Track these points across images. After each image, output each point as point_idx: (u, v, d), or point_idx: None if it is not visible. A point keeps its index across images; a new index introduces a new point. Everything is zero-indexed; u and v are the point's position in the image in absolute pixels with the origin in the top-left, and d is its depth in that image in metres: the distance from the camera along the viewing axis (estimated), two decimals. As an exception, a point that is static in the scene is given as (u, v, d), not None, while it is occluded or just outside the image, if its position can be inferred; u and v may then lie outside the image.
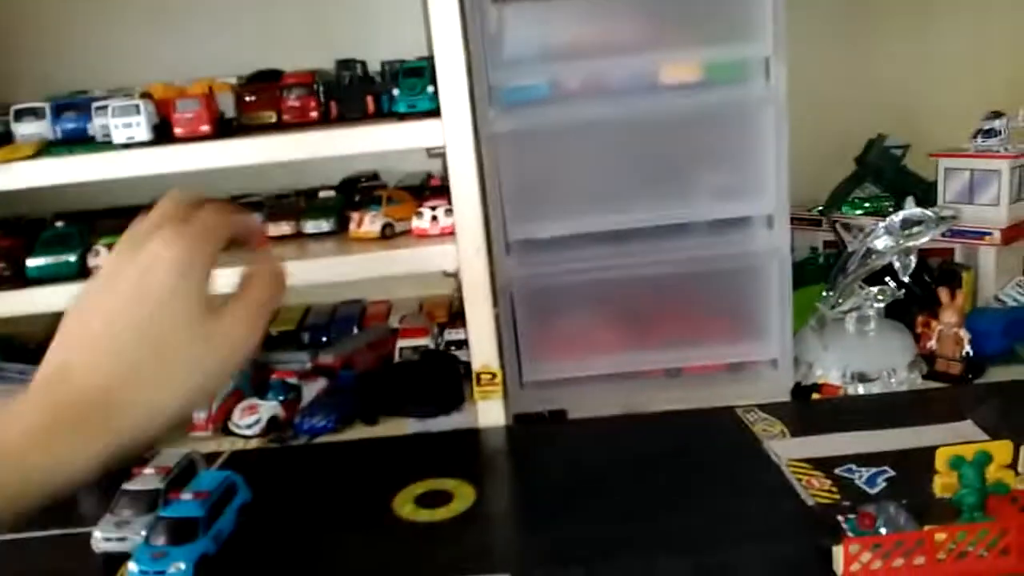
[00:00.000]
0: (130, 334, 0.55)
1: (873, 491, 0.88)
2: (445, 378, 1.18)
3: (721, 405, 1.09)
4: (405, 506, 0.94)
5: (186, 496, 0.90)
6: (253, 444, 1.14)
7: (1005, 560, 0.73)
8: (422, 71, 1.08)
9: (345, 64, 1.20)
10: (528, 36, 1.10)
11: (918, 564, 0.72)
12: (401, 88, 1.09)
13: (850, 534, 0.78)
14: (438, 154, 1.11)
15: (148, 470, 0.96)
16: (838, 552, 0.73)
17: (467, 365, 1.13)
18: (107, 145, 1.09)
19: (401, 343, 1.27)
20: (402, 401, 1.16)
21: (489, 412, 1.11)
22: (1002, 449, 0.80)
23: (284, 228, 1.20)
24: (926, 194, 1.31)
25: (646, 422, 1.09)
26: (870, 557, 0.73)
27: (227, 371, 0.59)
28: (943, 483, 0.80)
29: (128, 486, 0.94)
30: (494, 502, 0.96)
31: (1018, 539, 0.73)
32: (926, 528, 0.75)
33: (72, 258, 1.11)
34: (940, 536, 0.73)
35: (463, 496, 0.95)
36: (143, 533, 0.88)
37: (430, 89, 1.06)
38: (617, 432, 1.08)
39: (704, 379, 1.17)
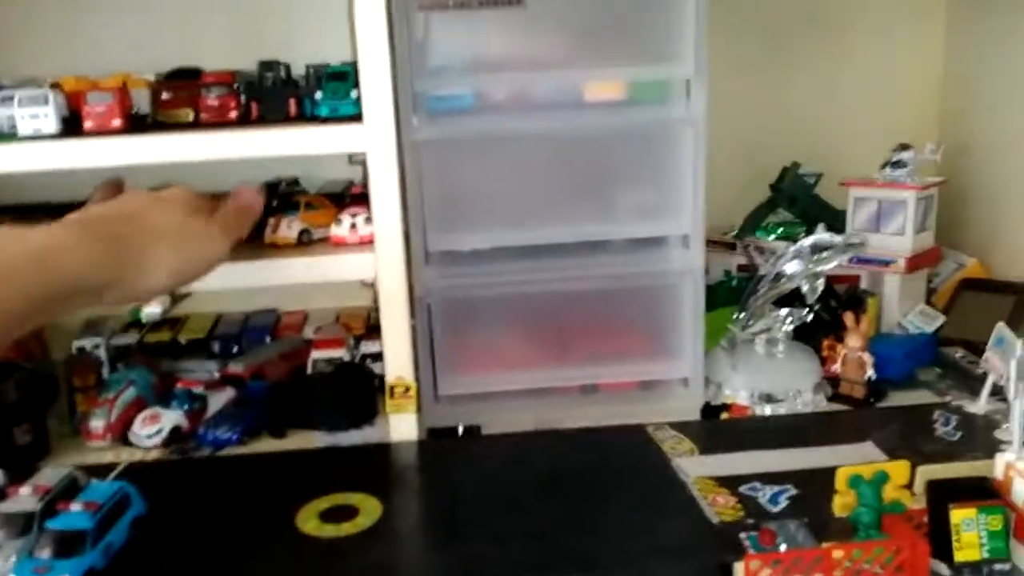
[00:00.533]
0: (142, 214, 0.73)
1: (776, 509, 0.89)
2: (358, 391, 1.15)
3: (633, 422, 1.10)
4: (309, 521, 0.91)
5: (75, 507, 0.85)
6: (153, 455, 1.09)
7: (898, 578, 0.75)
8: (346, 75, 1.06)
9: (267, 65, 1.17)
10: (454, 46, 1.10)
11: (814, 582, 0.74)
12: (324, 92, 1.07)
13: (751, 551, 0.79)
14: (359, 161, 1.09)
15: (24, 489, 0.89)
16: (739, 568, 0.74)
17: (382, 378, 1.11)
18: (12, 137, 1.04)
19: (315, 354, 1.24)
20: (313, 414, 1.13)
21: (402, 426, 1.09)
22: (899, 469, 0.83)
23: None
24: (836, 221, 1.35)
25: (559, 439, 1.09)
26: (770, 573, 0.74)
27: (202, 263, 0.76)
28: (842, 502, 0.83)
29: (0, 507, 0.87)
30: (402, 518, 0.94)
31: (912, 557, 0.76)
32: (824, 545, 0.76)
33: (-34, 254, 1.05)
34: (838, 553, 0.74)
35: (369, 511, 0.92)
36: (13, 559, 0.82)
37: (354, 94, 1.04)
38: (530, 448, 1.07)
39: (617, 396, 1.17)
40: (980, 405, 1.10)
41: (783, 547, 0.79)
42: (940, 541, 0.78)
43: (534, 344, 1.19)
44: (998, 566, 0.78)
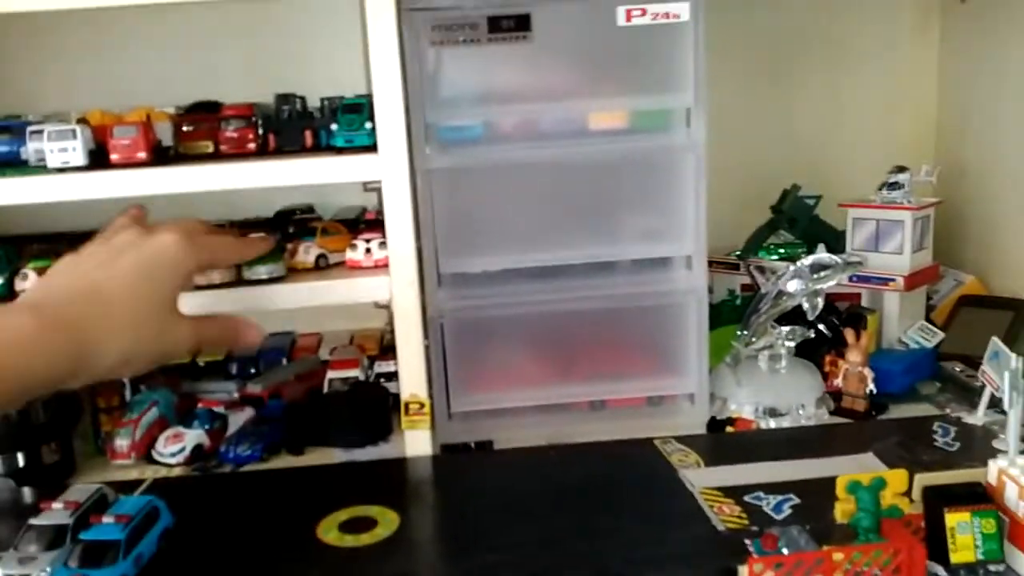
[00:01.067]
0: (119, 297, 0.70)
1: (779, 517, 0.93)
2: (373, 409, 1.19)
3: (641, 437, 1.13)
4: (329, 532, 0.94)
5: (107, 519, 0.89)
6: (177, 472, 1.13)
7: (896, 579, 0.78)
8: (361, 107, 1.11)
9: (284, 98, 1.22)
10: (464, 78, 1.15)
11: (816, 582, 0.77)
12: (340, 123, 1.11)
13: (755, 555, 0.82)
14: (374, 188, 1.14)
15: (56, 504, 0.93)
16: (743, 572, 0.77)
17: (396, 396, 1.15)
18: (41, 169, 1.09)
19: (331, 374, 1.28)
20: (329, 431, 1.17)
21: (416, 442, 1.13)
22: (897, 477, 0.86)
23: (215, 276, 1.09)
24: (835, 241, 1.39)
25: (569, 453, 1.12)
26: (772, 575, 0.77)
27: (161, 360, 0.75)
28: (842, 508, 0.86)
29: (34, 521, 0.91)
30: (418, 529, 0.97)
31: (909, 559, 0.78)
32: (825, 548, 0.79)
33: (-1, 280, 1.10)
34: (838, 556, 0.77)
35: (387, 522, 0.96)
36: (47, 570, 0.86)
37: (368, 125, 1.09)
38: (541, 462, 1.10)
39: (625, 412, 1.21)
40: (978, 416, 1.13)
41: (785, 550, 0.82)
42: (936, 544, 0.81)
43: (544, 362, 1.22)
44: (992, 567, 0.81)
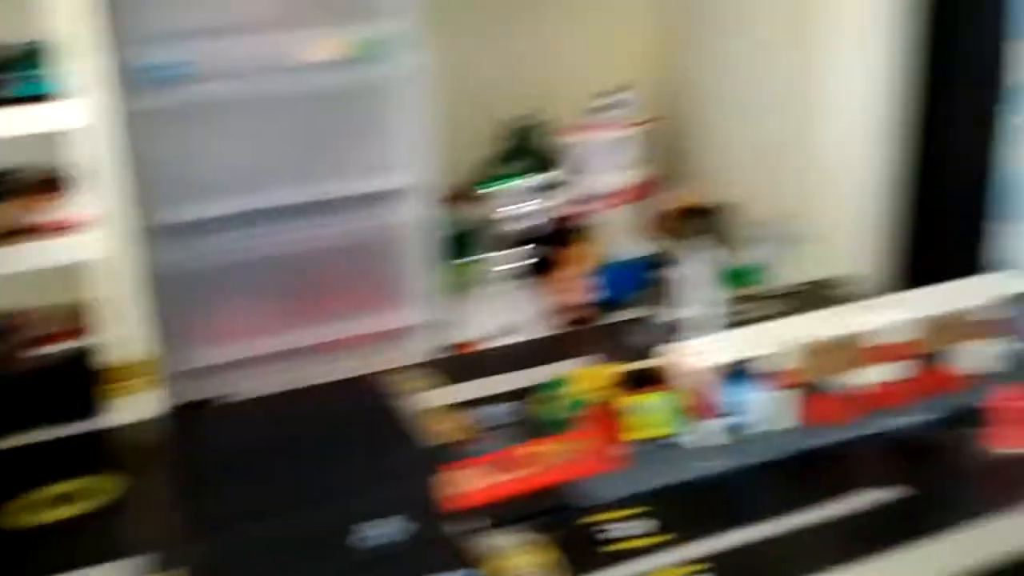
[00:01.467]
0: None
1: (498, 424, 0.97)
2: (82, 381, 1.11)
3: (377, 370, 1.14)
4: (31, 513, 0.88)
5: None
6: None
7: (592, 463, 0.85)
8: (47, 52, 1.02)
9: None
10: (172, 13, 1.09)
11: (519, 476, 0.82)
12: (24, 71, 1.03)
13: (455, 461, 0.86)
14: (75, 140, 1.06)
15: None
16: (452, 477, 0.81)
17: (112, 363, 1.08)
18: None
19: (37, 351, 1.18)
20: (34, 410, 1.08)
21: (139, 406, 1.08)
22: (594, 372, 0.93)
23: None
24: (556, 166, 1.45)
25: (302, 396, 1.10)
26: (476, 476, 0.81)
27: None
28: (544, 406, 0.92)
29: None
30: (143, 492, 0.93)
31: (605, 442, 0.85)
32: (522, 445, 0.84)
33: None
34: (536, 448, 0.83)
35: (104, 491, 0.91)
36: None
37: (59, 70, 1.00)
38: (274, 409, 1.09)
39: (363, 348, 1.22)
40: (677, 313, 1.22)
41: (490, 452, 0.86)
42: (628, 425, 0.89)
43: (274, 308, 1.20)
44: (679, 439, 0.90)
